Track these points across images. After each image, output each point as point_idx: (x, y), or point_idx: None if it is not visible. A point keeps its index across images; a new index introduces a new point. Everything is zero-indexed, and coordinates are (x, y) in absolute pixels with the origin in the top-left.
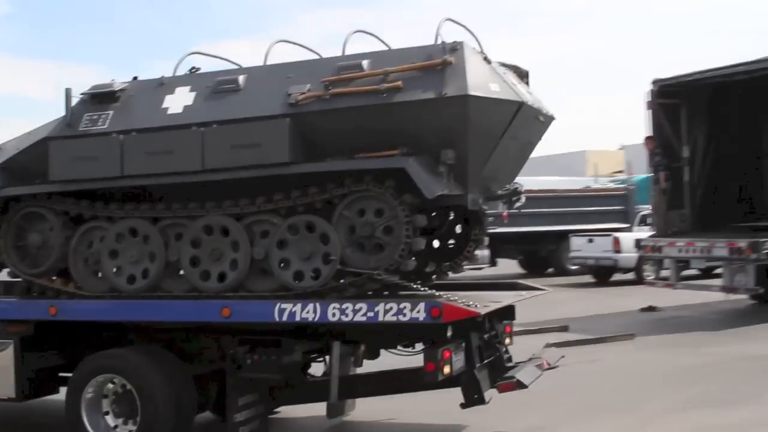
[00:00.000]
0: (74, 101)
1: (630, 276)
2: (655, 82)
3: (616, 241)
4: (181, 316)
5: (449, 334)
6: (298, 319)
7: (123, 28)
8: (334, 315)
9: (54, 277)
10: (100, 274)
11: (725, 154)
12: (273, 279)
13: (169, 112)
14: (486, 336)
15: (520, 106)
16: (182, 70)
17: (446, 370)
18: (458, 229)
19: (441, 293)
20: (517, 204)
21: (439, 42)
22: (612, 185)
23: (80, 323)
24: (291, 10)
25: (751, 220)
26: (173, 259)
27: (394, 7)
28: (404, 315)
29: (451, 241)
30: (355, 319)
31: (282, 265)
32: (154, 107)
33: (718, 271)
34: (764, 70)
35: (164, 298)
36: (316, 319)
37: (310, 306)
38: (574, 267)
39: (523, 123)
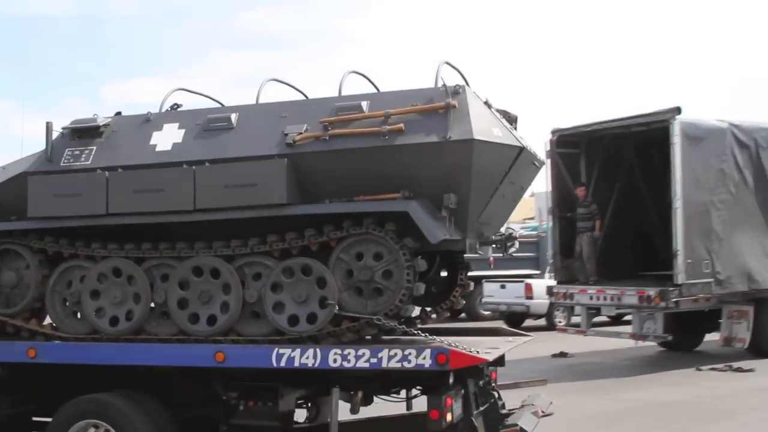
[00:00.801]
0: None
1: (542, 322)
2: (554, 131)
3: (528, 287)
4: (172, 361)
5: (451, 380)
6: (297, 364)
7: (35, 66)
8: (335, 361)
9: (27, 318)
10: (79, 315)
11: (627, 203)
12: (265, 323)
13: (158, 149)
14: (481, 382)
15: (520, 151)
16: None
17: (448, 417)
18: (443, 273)
19: (436, 339)
20: (512, 249)
21: (439, 85)
22: (523, 232)
23: (57, 366)
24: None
25: (656, 268)
26: (159, 301)
27: (304, 48)
28: (409, 361)
29: (434, 287)
30: (357, 365)
31: (275, 308)
32: (140, 144)
33: (628, 317)
34: (661, 122)
35: (150, 341)
36: (316, 365)
37: (310, 351)
38: (486, 312)
39: (521, 168)
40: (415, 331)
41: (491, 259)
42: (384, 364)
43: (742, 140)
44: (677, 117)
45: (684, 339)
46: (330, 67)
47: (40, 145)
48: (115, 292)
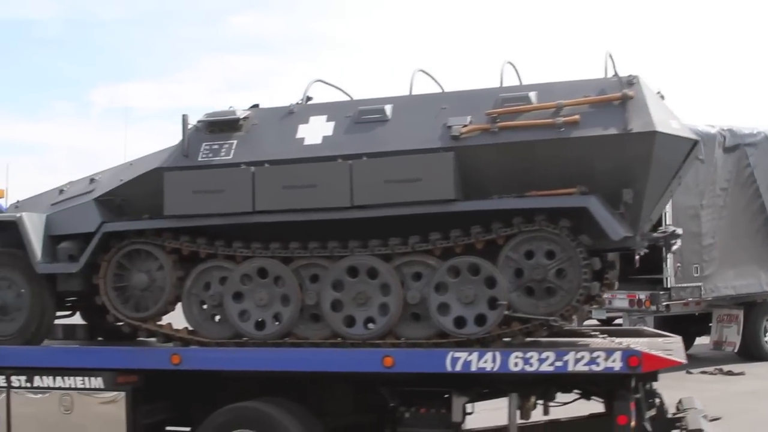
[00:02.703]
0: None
1: None
2: None
3: None
4: (335, 366)
5: (633, 384)
6: (474, 369)
7: (21, 70)
8: (516, 365)
9: (159, 323)
10: (218, 319)
11: None
12: (427, 325)
13: (306, 142)
14: (647, 386)
15: (695, 143)
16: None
17: (632, 423)
18: None
19: (615, 340)
20: (674, 247)
21: (609, 75)
22: None
23: (195, 373)
24: (193, 53)
25: (647, 272)
26: (311, 303)
27: (297, 53)
28: (597, 364)
29: None
30: (540, 369)
31: (440, 310)
32: (286, 137)
33: (619, 321)
34: None
35: (300, 345)
36: (495, 369)
37: (489, 355)
38: None
39: (689, 161)
40: (593, 333)
41: (636, 257)
42: (570, 368)
43: (730, 145)
44: None
45: None
46: (321, 69)
47: (29, 148)
48: (261, 294)
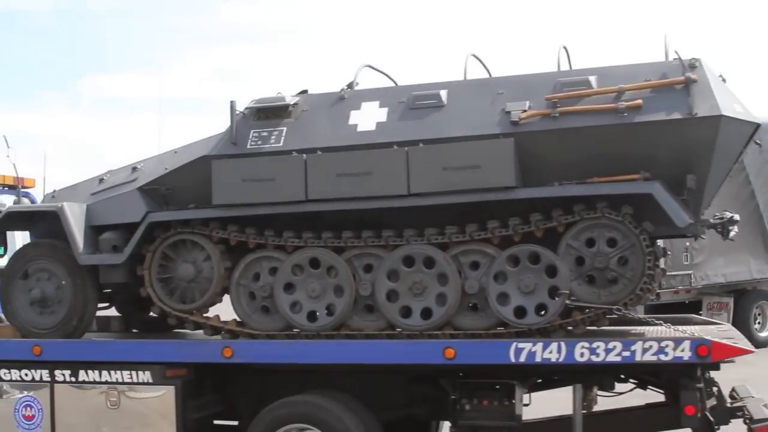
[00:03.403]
0: None
1: None
2: None
3: None
4: (393, 358)
5: (698, 373)
6: (538, 360)
7: (10, 60)
8: (582, 355)
9: (206, 314)
10: (267, 310)
11: None
12: (485, 315)
13: (360, 129)
14: (707, 375)
15: (757, 127)
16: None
17: (699, 414)
18: None
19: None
20: (732, 233)
21: (671, 58)
22: None
23: (242, 366)
24: (183, 44)
25: None
26: (365, 294)
27: (283, 42)
28: (666, 354)
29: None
30: (607, 360)
31: (499, 299)
32: (338, 123)
33: None
34: None
35: (354, 337)
36: (560, 360)
37: (554, 345)
38: None
39: (748, 146)
40: (657, 322)
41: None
42: (638, 358)
43: None
44: None
45: None
46: (310, 58)
47: (19, 138)
48: (313, 284)
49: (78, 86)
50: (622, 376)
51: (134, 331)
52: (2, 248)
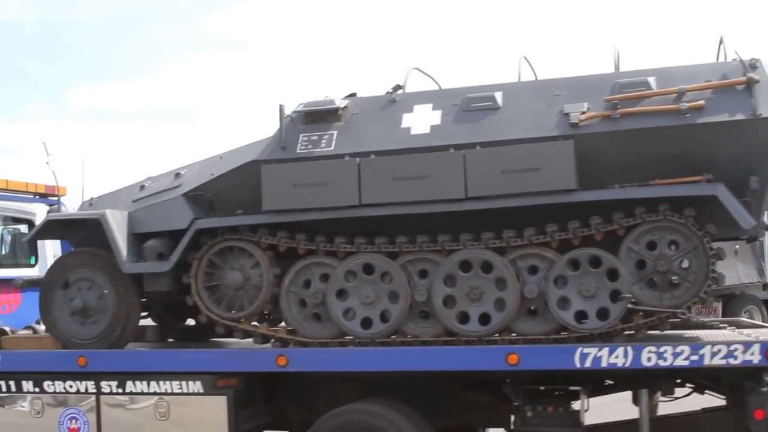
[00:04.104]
0: None
1: None
2: None
3: None
4: (453, 365)
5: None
6: (604, 365)
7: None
8: (649, 360)
9: (255, 322)
10: (318, 317)
11: None
12: (544, 320)
13: (413, 132)
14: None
15: None
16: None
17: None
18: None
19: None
20: None
21: (730, 59)
22: None
23: (293, 374)
24: (171, 52)
25: None
26: (421, 300)
27: (263, 49)
28: (735, 357)
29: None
30: (674, 364)
31: (559, 304)
32: (391, 127)
33: None
34: None
35: (409, 344)
36: (627, 364)
37: (620, 350)
38: None
39: None
40: (722, 325)
41: (736, 246)
42: (706, 362)
43: None
44: None
45: None
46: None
47: (6, 151)
48: (367, 291)
49: (67, 97)
50: (678, 381)
51: (170, 340)
52: (33, 257)
